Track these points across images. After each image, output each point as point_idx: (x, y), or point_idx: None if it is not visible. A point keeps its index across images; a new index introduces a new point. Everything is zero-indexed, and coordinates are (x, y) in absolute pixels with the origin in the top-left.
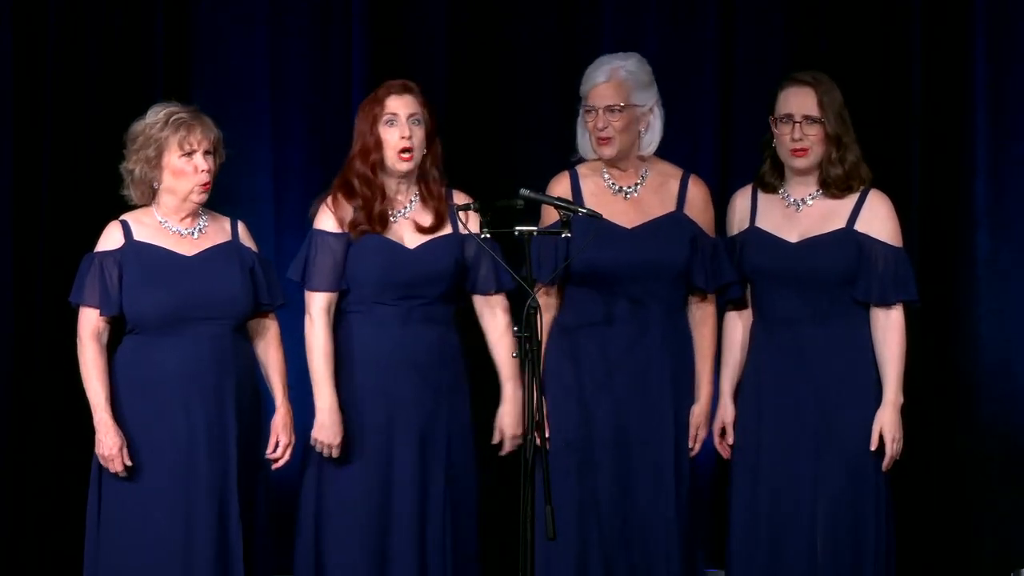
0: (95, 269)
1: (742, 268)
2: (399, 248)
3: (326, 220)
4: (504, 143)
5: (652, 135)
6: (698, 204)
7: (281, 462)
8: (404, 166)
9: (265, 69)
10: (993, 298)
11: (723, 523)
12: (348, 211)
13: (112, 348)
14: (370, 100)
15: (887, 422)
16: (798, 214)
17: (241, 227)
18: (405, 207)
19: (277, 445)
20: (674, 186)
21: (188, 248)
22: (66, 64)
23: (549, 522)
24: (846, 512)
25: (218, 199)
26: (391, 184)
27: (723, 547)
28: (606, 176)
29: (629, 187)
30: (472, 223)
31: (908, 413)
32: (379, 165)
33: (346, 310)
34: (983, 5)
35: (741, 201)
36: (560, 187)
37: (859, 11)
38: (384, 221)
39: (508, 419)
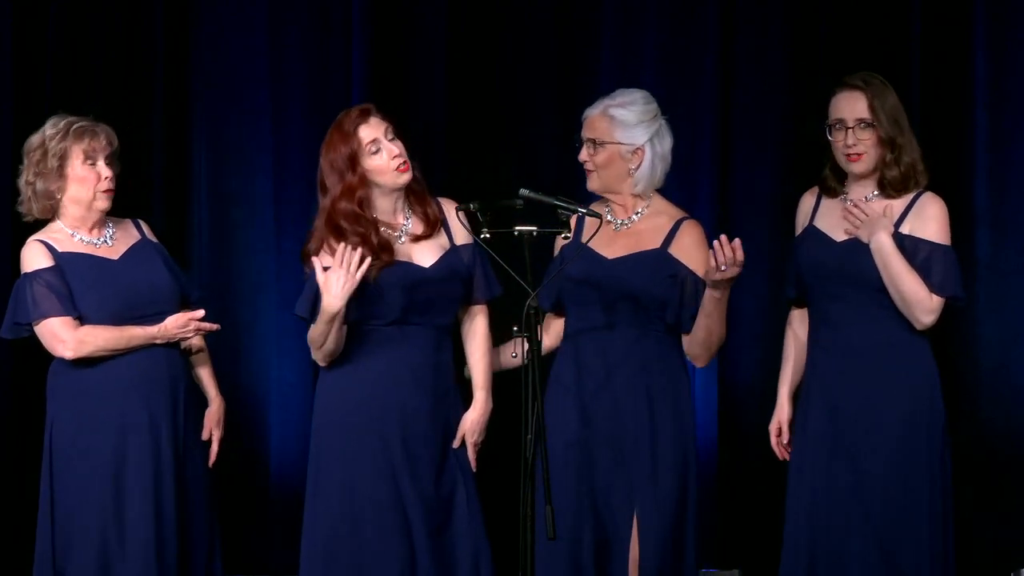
0: (39, 284)
1: (797, 267)
2: (416, 269)
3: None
4: (503, 148)
5: (642, 174)
6: (685, 245)
7: (212, 457)
8: (406, 177)
9: (265, 69)
10: (993, 298)
11: (725, 524)
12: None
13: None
14: (336, 141)
15: None
16: None
17: (144, 226)
18: (404, 225)
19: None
20: (666, 226)
21: (110, 253)
22: (66, 64)
23: (549, 522)
24: (894, 517)
25: (217, 200)
26: (386, 207)
27: (723, 548)
28: (607, 209)
29: (623, 220)
30: (463, 226)
31: None
32: (366, 201)
33: (365, 327)
34: (983, 5)
35: (807, 202)
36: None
37: (859, 11)
38: (389, 248)
39: (473, 425)
